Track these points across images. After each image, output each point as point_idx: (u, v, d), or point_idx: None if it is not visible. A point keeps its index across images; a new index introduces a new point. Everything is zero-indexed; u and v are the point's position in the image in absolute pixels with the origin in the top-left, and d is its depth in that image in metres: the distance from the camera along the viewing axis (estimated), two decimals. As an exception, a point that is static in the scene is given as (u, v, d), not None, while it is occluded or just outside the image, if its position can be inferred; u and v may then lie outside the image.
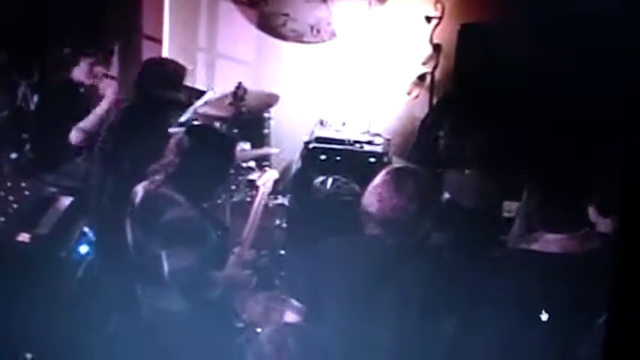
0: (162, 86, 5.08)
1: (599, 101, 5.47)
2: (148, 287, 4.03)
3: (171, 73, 5.21)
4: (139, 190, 4.01)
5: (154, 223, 3.85)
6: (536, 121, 5.95)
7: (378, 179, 3.67)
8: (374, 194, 3.62)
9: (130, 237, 4.01)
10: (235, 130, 6.14)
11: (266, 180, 4.91)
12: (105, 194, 4.97)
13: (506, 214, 4.86)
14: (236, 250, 4.25)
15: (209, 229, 3.99)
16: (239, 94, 5.74)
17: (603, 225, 3.68)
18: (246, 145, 6.10)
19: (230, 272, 4.11)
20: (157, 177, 3.98)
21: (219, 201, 5.16)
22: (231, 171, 4.93)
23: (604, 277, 1.98)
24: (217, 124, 5.81)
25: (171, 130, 5.33)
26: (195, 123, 5.65)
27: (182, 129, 5.72)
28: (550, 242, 3.53)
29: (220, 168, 4.14)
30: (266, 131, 6.68)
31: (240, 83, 5.92)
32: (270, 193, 5.24)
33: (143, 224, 3.91)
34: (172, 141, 4.02)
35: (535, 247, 3.56)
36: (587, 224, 3.67)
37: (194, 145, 3.98)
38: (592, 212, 3.71)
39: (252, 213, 4.51)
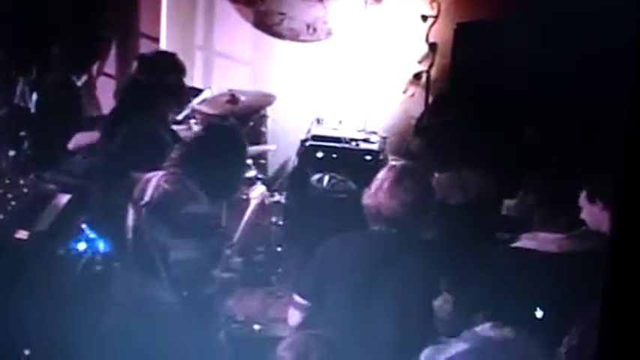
0: (157, 72, 5.09)
1: (595, 99, 5.49)
2: (142, 276, 4.06)
3: (164, 60, 5.23)
4: (153, 179, 4.04)
5: (170, 213, 3.90)
6: (532, 119, 5.98)
7: (381, 175, 3.71)
8: (376, 190, 3.66)
9: (130, 223, 4.05)
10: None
11: (258, 194, 4.98)
12: (104, 188, 4.99)
13: (505, 212, 4.88)
14: (224, 254, 4.29)
15: (216, 227, 4.06)
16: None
17: (589, 211, 3.66)
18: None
19: (219, 274, 4.16)
20: (174, 170, 4.04)
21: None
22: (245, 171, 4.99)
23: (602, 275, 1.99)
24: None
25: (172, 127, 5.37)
26: (214, 121, 5.75)
27: (182, 127, 5.80)
28: (548, 241, 3.55)
29: (234, 166, 4.20)
30: (263, 129, 6.72)
31: (232, 95, 5.99)
32: (261, 208, 5.31)
33: (157, 213, 3.95)
34: (190, 136, 4.09)
35: (533, 246, 3.58)
36: (585, 222, 3.68)
37: (210, 142, 4.08)
38: (582, 197, 3.71)
39: (242, 223, 4.56)
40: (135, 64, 5.30)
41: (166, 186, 3.99)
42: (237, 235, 4.46)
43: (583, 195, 3.68)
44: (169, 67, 5.17)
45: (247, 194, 5.20)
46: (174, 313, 3.94)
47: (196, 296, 3.92)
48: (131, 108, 5.05)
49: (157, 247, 3.93)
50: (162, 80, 5.02)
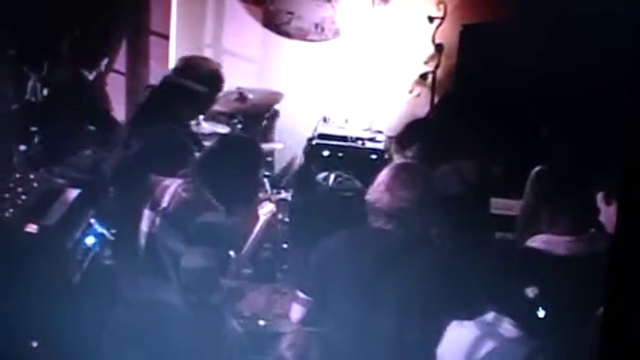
0: (191, 78, 5.10)
1: (600, 100, 5.53)
2: (152, 279, 4.10)
3: (203, 68, 5.23)
4: (171, 187, 4.07)
5: (186, 221, 3.93)
6: (538, 120, 6.02)
7: (384, 173, 3.76)
8: (379, 188, 3.72)
9: (145, 229, 4.08)
10: (239, 127, 6.25)
11: (267, 211, 5.03)
12: (119, 188, 5.02)
13: (494, 211, 4.93)
14: (233, 264, 4.34)
15: (229, 237, 4.11)
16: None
17: (606, 213, 3.67)
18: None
19: (228, 282, 4.21)
20: (192, 178, 4.07)
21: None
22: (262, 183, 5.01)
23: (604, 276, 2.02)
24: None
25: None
26: (227, 132, 5.80)
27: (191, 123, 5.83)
28: (556, 244, 3.58)
29: (251, 178, 4.25)
30: (270, 127, 6.77)
31: (240, 93, 6.04)
32: (269, 223, 5.37)
33: (173, 220, 3.98)
34: (209, 145, 4.13)
35: (541, 247, 3.60)
36: (594, 225, 3.70)
37: (229, 153, 4.12)
38: (599, 199, 3.73)
39: (252, 236, 4.59)
40: (176, 65, 5.33)
41: (184, 194, 4.02)
42: (245, 248, 4.50)
43: (600, 197, 3.71)
44: (209, 76, 5.18)
45: (257, 210, 5.25)
46: (181, 316, 3.98)
47: (204, 302, 3.95)
48: (156, 110, 5.08)
49: (169, 253, 3.95)
50: (196, 87, 5.05)
